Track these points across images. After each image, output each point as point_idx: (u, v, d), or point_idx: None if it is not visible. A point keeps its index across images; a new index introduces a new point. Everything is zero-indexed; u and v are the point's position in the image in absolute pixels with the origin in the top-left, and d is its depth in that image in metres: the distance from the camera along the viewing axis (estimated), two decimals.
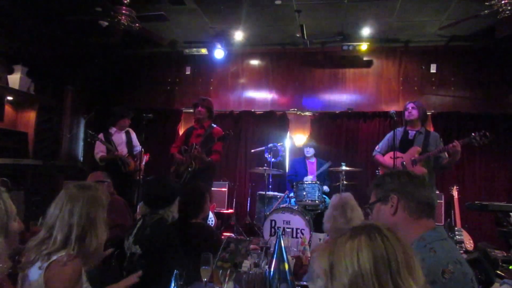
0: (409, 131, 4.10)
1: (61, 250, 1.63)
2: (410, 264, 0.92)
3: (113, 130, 5.14)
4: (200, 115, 4.61)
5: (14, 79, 5.38)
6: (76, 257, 1.63)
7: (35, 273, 1.60)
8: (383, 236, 0.94)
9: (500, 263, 3.83)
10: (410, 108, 4.05)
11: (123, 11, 4.51)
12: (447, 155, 3.90)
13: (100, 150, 4.93)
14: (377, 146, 4.33)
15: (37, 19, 5.46)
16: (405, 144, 4.05)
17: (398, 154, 3.97)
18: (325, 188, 5.36)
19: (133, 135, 5.29)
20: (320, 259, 1.00)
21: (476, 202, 4.02)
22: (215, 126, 4.67)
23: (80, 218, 1.69)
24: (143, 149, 4.74)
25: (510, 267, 3.70)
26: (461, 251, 4.79)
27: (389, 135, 4.22)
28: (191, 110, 5.51)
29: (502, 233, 4.02)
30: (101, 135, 5.02)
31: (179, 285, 1.40)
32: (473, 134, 3.67)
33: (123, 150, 5.07)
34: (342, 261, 0.93)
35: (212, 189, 5.83)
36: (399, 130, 4.15)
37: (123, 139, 5.16)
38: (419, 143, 3.93)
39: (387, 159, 4.08)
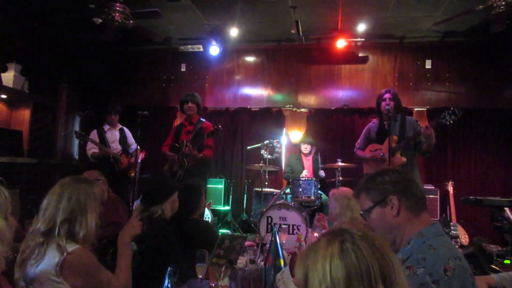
0: (385, 122, 3.95)
1: (70, 242, 1.67)
2: (387, 275, 0.86)
3: (106, 127, 5.15)
4: (191, 111, 4.60)
5: (8, 77, 5.34)
6: (85, 251, 1.69)
7: (46, 267, 1.62)
8: (355, 247, 0.88)
9: (495, 258, 3.86)
10: (388, 99, 3.85)
11: (117, 8, 4.49)
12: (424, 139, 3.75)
13: (92, 146, 4.94)
14: (356, 143, 4.23)
15: (30, 17, 5.42)
16: (382, 135, 3.92)
17: (377, 146, 3.91)
18: (321, 172, 5.40)
19: (128, 133, 5.28)
20: (297, 266, 0.96)
21: (471, 197, 4.03)
22: (203, 120, 4.66)
23: (69, 202, 1.71)
24: (138, 147, 4.74)
25: (505, 261, 3.73)
26: (457, 246, 4.82)
27: (365, 129, 4.15)
28: None
29: (497, 227, 4.05)
30: (94, 132, 5.02)
31: (173, 282, 1.40)
32: (442, 114, 3.53)
33: (116, 147, 5.07)
34: (315, 275, 0.89)
35: (209, 186, 5.85)
36: (374, 122, 4.07)
37: (116, 136, 5.16)
38: (395, 131, 3.78)
39: (367, 153, 4.02)
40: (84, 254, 1.67)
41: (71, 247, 1.65)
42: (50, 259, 1.61)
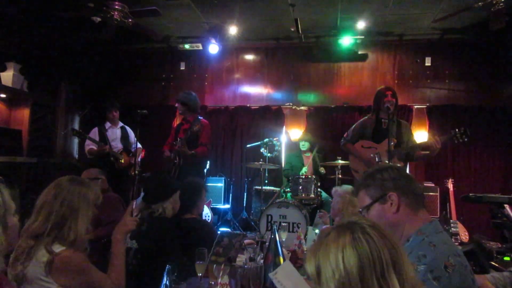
0: (382, 120, 3.89)
1: (55, 242, 1.66)
2: (396, 262, 0.90)
3: (107, 125, 5.16)
4: (179, 110, 4.70)
5: (7, 77, 5.34)
6: (75, 251, 1.68)
7: (35, 267, 1.61)
8: (367, 236, 0.91)
9: (495, 254, 3.86)
10: (390, 95, 3.79)
11: (116, 7, 4.49)
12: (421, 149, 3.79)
13: (90, 142, 4.94)
14: (345, 134, 4.12)
15: (29, 16, 5.40)
16: (378, 134, 3.86)
17: (372, 144, 3.86)
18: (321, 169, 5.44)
19: (130, 132, 5.29)
20: (307, 261, 0.98)
21: (470, 194, 4.03)
22: (201, 118, 4.66)
23: (61, 206, 1.71)
24: (140, 146, 4.74)
25: (505, 258, 3.73)
26: (456, 243, 4.82)
27: (359, 123, 4.06)
28: None
29: (497, 224, 4.05)
30: (95, 129, 5.04)
31: (171, 279, 1.40)
32: (452, 131, 3.54)
33: (117, 145, 5.07)
34: (328, 266, 0.91)
35: (209, 184, 5.84)
36: (371, 118, 4.01)
37: (117, 134, 5.17)
38: (393, 133, 3.71)
39: (359, 148, 3.94)
40: (73, 255, 1.65)
41: (60, 248, 1.65)
42: (39, 259, 1.61)
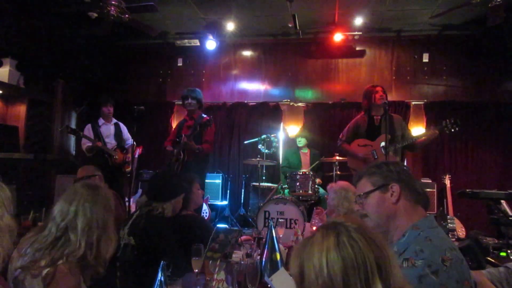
0: (374, 117, 3.94)
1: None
2: (382, 267, 0.87)
3: (101, 121, 5.13)
4: (191, 106, 4.63)
5: (3, 73, 5.30)
6: (75, 268, 1.59)
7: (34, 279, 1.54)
8: (352, 241, 0.89)
9: (491, 250, 3.88)
10: (380, 91, 3.86)
11: (113, 2, 4.45)
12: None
13: (87, 140, 4.92)
14: (341, 135, 4.19)
15: (25, 11, 5.36)
16: (372, 131, 3.91)
17: (367, 142, 3.91)
18: (317, 180, 5.38)
19: (124, 128, 5.26)
20: (291, 260, 0.96)
21: (467, 190, 4.04)
22: (204, 116, 4.66)
23: (97, 222, 1.68)
24: (134, 143, 4.72)
25: (501, 254, 3.75)
26: (453, 239, 4.84)
27: (352, 123, 4.11)
28: None
29: (493, 220, 4.07)
30: (88, 126, 5.01)
31: (166, 276, 1.39)
32: (443, 122, 3.59)
33: (111, 142, 5.05)
34: (311, 269, 0.89)
35: (206, 181, 5.84)
36: (363, 117, 4.05)
37: (111, 131, 5.14)
38: (386, 129, 3.75)
39: (355, 147, 3.98)
40: (69, 274, 1.55)
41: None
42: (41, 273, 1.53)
